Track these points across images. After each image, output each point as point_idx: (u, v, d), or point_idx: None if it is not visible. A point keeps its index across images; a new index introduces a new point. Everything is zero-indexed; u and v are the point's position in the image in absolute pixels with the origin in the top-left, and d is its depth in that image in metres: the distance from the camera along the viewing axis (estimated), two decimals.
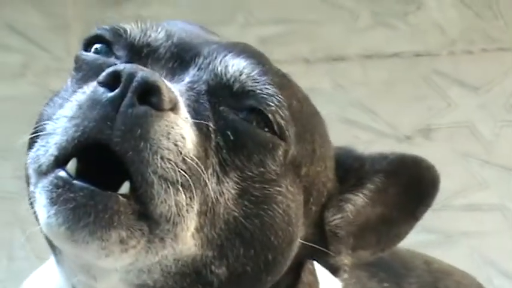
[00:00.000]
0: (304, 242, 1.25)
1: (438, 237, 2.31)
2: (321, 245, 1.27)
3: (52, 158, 1.09)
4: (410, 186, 1.29)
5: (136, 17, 1.29)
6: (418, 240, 2.08)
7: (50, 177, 1.09)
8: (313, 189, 1.26)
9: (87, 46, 1.24)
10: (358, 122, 2.44)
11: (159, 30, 1.24)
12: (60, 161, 1.09)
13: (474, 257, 2.26)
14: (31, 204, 1.15)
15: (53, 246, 1.20)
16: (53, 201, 1.08)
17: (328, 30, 2.70)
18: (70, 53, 2.64)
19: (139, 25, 1.24)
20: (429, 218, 2.45)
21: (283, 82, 1.23)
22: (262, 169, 1.18)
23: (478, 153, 2.52)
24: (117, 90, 1.08)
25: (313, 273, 1.40)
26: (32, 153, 1.12)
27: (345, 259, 1.28)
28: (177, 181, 1.10)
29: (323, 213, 1.28)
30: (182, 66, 1.21)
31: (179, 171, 1.10)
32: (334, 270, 1.30)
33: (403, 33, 2.73)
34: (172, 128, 1.11)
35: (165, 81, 1.14)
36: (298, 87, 1.27)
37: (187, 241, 1.14)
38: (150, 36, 1.23)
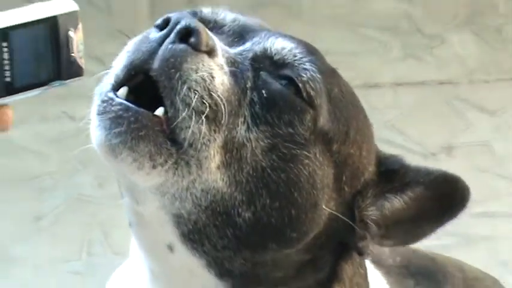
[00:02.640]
0: (334, 212, 1.22)
1: (459, 240, 2.33)
2: (348, 228, 1.25)
3: (109, 85, 1.12)
4: (444, 199, 1.26)
5: None
6: (443, 243, 2.16)
7: (102, 97, 1.11)
8: (346, 169, 1.24)
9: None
10: (391, 140, 2.47)
11: (228, 14, 1.26)
12: (114, 88, 1.11)
13: (490, 258, 2.29)
14: None
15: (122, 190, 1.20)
16: (98, 112, 1.10)
17: (364, 61, 2.72)
18: None
19: (212, 9, 1.26)
20: (454, 224, 2.54)
21: (327, 71, 1.22)
22: (291, 130, 1.17)
23: (493, 168, 2.53)
24: (164, 31, 1.12)
25: (363, 276, 1.37)
26: (98, 86, 1.14)
27: (371, 245, 1.26)
28: (201, 111, 1.10)
29: (357, 200, 1.26)
30: (240, 41, 1.22)
31: (204, 102, 1.11)
32: (360, 253, 1.27)
33: (429, 64, 2.74)
34: (203, 65, 1.12)
35: (207, 30, 1.15)
36: (345, 82, 1.26)
37: (212, 172, 1.14)
38: (219, 16, 1.25)
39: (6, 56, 1.09)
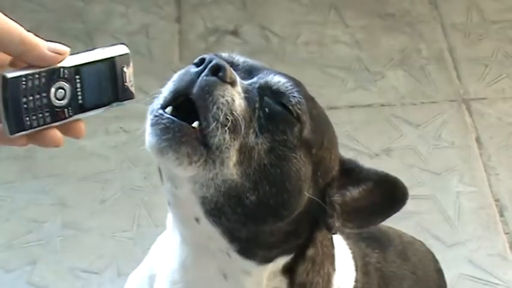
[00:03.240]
0: (311, 196, 1.21)
1: (395, 215, 2.35)
2: (321, 208, 1.23)
3: (159, 104, 1.11)
4: (388, 195, 1.25)
5: None
6: None
7: (153, 113, 1.10)
8: (320, 166, 1.22)
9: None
10: (346, 145, 2.45)
11: (241, 58, 1.24)
12: (163, 107, 1.10)
13: (416, 227, 2.28)
14: None
15: (162, 179, 1.18)
16: (151, 126, 1.09)
17: (328, 91, 2.69)
18: None
19: (229, 54, 1.24)
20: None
21: (308, 98, 1.21)
22: (285, 137, 1.16)
23: (418, 164, 2.52)
24: (200, 67, 1.11)
25: (330, 240, 1.35)
26: (151, 105, 1.13)
27: (337, 222, 1.24)
28: (225, 124, 1.09)
29: (327, 189, 1.25)
30: (249, 76, 1.20)
31: (227, 118, 1.09)
32: (329, 228, 1.25)
33: (373, 92, 2.70)
34: (228, 92, 1.10)
35: (230, 68, 1.13)
36: (320, 106, 1.25)
37: (230, 167, 1.12)
38: (234, 58, 1.23)
39: (78, 85, 1.09)
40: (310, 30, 2.94)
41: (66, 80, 1.08)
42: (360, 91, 2.72)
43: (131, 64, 1.12)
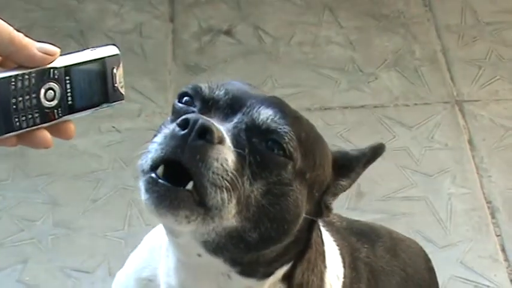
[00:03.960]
0: (308, 217, 1.22)
1: (387, 216, 2.33)
2: (318, 213, 1.26)
3: (148, 166, 1.09)
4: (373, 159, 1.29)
5: (208, 77, 1.30)
6: (374, 217, 2.20)
7: (146, 176, 1.09)
8: (315, 184, 1.23)
9: (179, 97, 1.22)
10: (339, 146, 2.38)
11: (221, 89, 1.20)
12: (153, 167, 1.09)
13: (408, 228, 2.27)
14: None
15: None
16: (146, 191, 1.09)
17: (321, 91, 2.70)
18: (168, 103, 2.59)
19: (209, 85, 1.20)
20: (383, 205, 2.53)
21: (295, 121, 1.19)
22: (279, 177, 1.15)
23: (411, 166, 2.52)
24: (186, 130, 1.08)
25: (321, 237, 1.36)
26: (140, 161, 1.11)
27: (330, 216, 1.28)
28: (222, 186, 1.08)
29: (323, 196, 1.26)
30: (233, 112, 1.18)
31: (223, 180, 1.09)
32: (322, 218, 1.29)
33: (366, 93, 2.70)
34: (220, 154, 1.09)
35: (216, 124, 1.11)
36: (307, 122, 1.24)
37: (229, 219, 1.12)
38: (214, 93, 1.20)
39: (68, 86, 1.09)
40: (304, 31, 2.93)
41: (56, 80, 1.08)
42: (353, 92, 2.72)
43: (121, 65, 1.12)
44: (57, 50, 1.07)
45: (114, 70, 1.12)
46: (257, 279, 1.25)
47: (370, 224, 1.72)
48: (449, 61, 2.84)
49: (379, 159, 1.30)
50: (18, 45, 1.04)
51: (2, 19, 1.05)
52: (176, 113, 1.20)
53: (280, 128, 1.16)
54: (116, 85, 1.11)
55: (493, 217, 2.38)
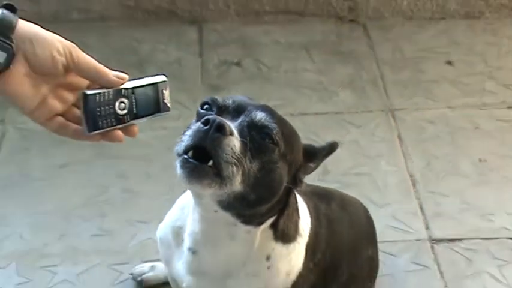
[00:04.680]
0: (288, 185, 1.21)
1: (344, 186, 2.26)
2: (294, 183, 1.24)
3: (182, 150, 1.10)
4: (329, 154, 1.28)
5: (225, 94, 1.27)
6: (336, 187, 2.15)
7: (181, 157, 1.10)
8: (292, 163, 1.21)
9: (201, 106, 1.20)
10: (311, 139, 2.36)
11: (230, 99, 1.19)
12: (185, 151, 1.09)
13: (358, 194, 2.11)
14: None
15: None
16: (181, 167, 1.09)
17: (300, 103, 2.63)
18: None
19: (223, 98, 1.19)
20: (342, 178, 2.47)
21: (280, 121, 1.18)
22: (269, 158, 1.15)
23: (360, 152, 2.44)
24: (207, 126, 1.08)
25: (295, 198, 1.34)
26: (176, 147, 1.11)
27: (303, 185, 1.26)
28: (232, 163, 1.08)
29: (297, 172, 1.25)
30: (238, 115, 1.16)
31: (233, 159, 1.08)
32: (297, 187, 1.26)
33: (330, 105, 2.57)
34: (230, 142, 1.09)
35: (228, 122, 1.10)
36: (288, 122, 1.22)
37: (237, 185, 1.12)
38: (226, 102, 1.18)
39: (134, 100, 1.10)
40: (288, 63, 2.91)
41: (126, 97, 1.09)
42: (321, 103, 2.70)
43: (168, 87, 1.14)
44: (126, 76, 1.08)
45: (164, 90, 1.13)
46: (254, 226, 1.24)
47: (327, 189, 1.69)
48: (385, 83, 2.82)
49: (338, 150, 1.30)
50: (101, 73, 1.06)
51: (90, 55, 1.06)
52: (199, 116, 1.18)
53: (270, 125, 1.16)
54: (164, 101, 1.13)
55: (414, 186, 2.37)
